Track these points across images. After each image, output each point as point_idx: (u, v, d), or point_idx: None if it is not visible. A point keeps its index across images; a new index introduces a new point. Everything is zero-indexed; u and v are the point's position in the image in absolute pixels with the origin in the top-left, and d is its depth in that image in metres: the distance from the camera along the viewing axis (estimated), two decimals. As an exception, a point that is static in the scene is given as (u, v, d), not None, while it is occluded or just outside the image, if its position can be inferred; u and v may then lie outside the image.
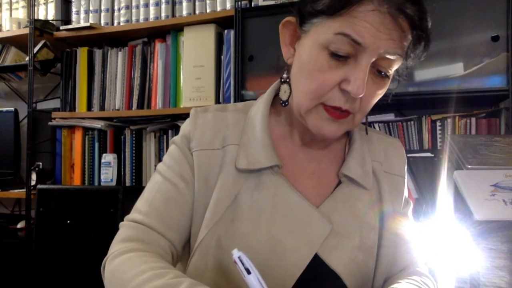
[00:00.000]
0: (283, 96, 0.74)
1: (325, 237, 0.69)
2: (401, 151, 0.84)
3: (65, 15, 2.38)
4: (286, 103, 0.74)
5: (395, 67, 0.67)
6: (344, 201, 0.74)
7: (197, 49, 1.99)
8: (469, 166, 1.04)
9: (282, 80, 0.74)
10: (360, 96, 0.64)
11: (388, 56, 0.64)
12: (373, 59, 0.63)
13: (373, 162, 0.78)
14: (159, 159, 2.10)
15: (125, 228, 0.72)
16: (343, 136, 0.80)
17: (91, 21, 2.22)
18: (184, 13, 2.04)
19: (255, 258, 0.61)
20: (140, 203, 0.74)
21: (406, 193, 0.83)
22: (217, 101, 1.96)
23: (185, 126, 0.77)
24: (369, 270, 0.74)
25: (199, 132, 0.75)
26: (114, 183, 2.13)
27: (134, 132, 2.16)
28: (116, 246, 0.69)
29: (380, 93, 0.69)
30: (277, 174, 0.72)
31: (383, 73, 0.66)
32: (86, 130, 2.24)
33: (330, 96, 0.66)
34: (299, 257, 0.68)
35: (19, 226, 2.29)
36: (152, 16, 2.11)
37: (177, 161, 0.74)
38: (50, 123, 2.26)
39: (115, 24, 2.21)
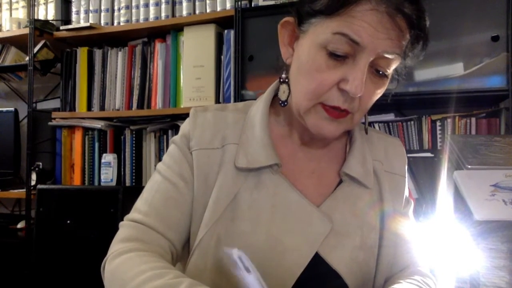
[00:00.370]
0: (282, 96, 0.74)
1: (325, 236, 0.69)
2: (401, 150, 0.84)
3: (65, 15, 2.37)
4: (285, 103, 0.74)
5: (393, 66, 0.67)
6: (345, 200, 0.74)
7: (197, 49, 1.99)
8: (469, 166, 1.04)
9: (281, 80, 0.74)
10: (359, 95, 0.64)
11: (387, 56, 0.64)
12: (372, 59, 0.64)
13: (374, 161, 0.78)
14: (159, 159, 2.10)
15: (125, 227, 0.72)
16: (344, 135, 0.80)
17: (91, 21, 2.22)
18: (184, 13, 2.04)
19: (255, 258, 0.61)
20: (140, 203, 0.74)
21: (407, 193, 0.83)
22: (217, 101, 1.95)
23: (184, 126, 0.77)
24: (370, 270, 0.73)
25: (199, 131, 0.75)
26: (114, 183, 2.13)
27: (134, 132, 2.16)
28: (116, 246, 0.69)
29: (379, 93, 0.69)
30: (277, 173, 0.72)
31: (381, 73, 0.66)
32: (86, 130, 2.24)
33: (329, 96, 0.66)
34: (299, 256, 0.68)
35: (19, 226, 2.29)
36: (152, 16, 2.11)
37: (177, 160, 0.75)
38: (50, 123, 2.26)
39: (115, 24, 2.21)
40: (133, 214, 0.73)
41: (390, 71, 0.67)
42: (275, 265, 0.68)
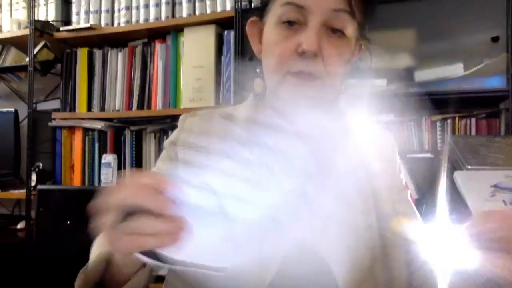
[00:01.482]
0: (257, 89, 0.78)
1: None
2: (391, 138, 0.86)
3: (65, 16, 2.37)
4: (259, 95, 0.78)
5: (349, 26, 0.69)
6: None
7: (197, 50, 1.99)
8: (469, 167, 1.04)
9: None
10: (313, 51, 0.67)
11: (336, 13, 0.67)
12: (321, 19, 0.67)
13: (363, 151, 0.80)
14: (159, 159, 2.10)
15: None
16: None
17: (91, 21, 2.22)
18: (184, 13, 2.04)
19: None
20: None
21: (403, 179, 0.84)
22: (217, 102, 1.95)
23: (174, 131, 0.82)
24: (359, 255, 0.73)
25: (185, 134, 0.79)
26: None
27: (134, 133, 2.16)
28: None
29: (343, 53, 0.71)
30: None
31: (338, 32, 0.69)
32: (86, 130, 2.24)
33: (291, 63, 0.69)
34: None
35: (19, 226, 2.29)
36: (152, 16, 2.11)
37: (165, 163, 0.79)
38: (50, 123, 2.26)
39: (115, 24, 2.21)
40: None
41: (347, 31, 0.70)
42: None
